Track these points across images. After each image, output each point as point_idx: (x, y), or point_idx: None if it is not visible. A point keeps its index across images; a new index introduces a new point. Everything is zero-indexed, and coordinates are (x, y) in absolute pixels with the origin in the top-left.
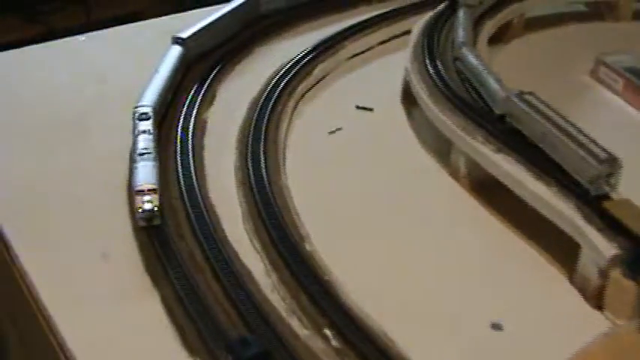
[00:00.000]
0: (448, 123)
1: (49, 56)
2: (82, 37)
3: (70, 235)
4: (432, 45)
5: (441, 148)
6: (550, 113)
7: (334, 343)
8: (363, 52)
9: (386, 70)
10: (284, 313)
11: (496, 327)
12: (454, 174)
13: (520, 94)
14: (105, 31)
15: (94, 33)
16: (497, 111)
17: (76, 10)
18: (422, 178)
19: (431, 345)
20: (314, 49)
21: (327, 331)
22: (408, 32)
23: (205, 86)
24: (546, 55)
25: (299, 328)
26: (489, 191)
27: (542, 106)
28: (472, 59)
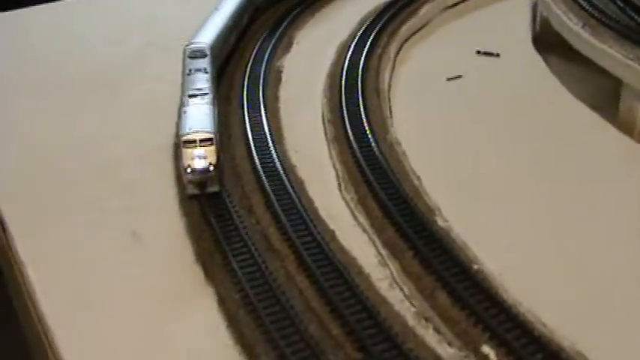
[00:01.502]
0: (617, 56)
1: (89, 9)
2: None
3: (87, 207)
4: None
5: (602, 96)
6: None
7: None
8: None
9: (506, 12)
10: (412, 322)
11: None
12: (625, 126)
13: None
14: None
15: None
16: None
17: None
18: (580, 134)
19: None
20: None
21: (487, 349)
22: None
23: (280, 31)
24: None
25: (438, 344)
26: None
27: None
28: None
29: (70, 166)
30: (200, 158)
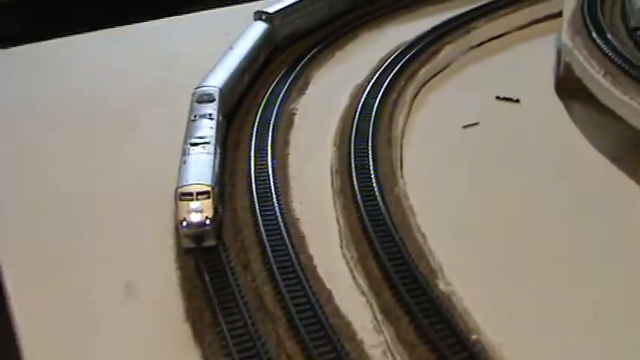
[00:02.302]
0: (638, 107)
1: (113, 42)
2: (149, 24)
3: (85, 253)
4: (596, 16)
5: (624, 147)
6: None
7: None
8: (499, 37)
9: (531, 57)
10: None
11: None
12: None
13: None
14: (179, 17)
15: (168, 19)
16: None
17: None
18: (601, 190)
19: None
20: (438, 28)
21: None
22: (552, 17)
23: (296, 71)
24: None
25: None
26: None
27: None
28: None
29: (73, 209)
30: (196, 212)
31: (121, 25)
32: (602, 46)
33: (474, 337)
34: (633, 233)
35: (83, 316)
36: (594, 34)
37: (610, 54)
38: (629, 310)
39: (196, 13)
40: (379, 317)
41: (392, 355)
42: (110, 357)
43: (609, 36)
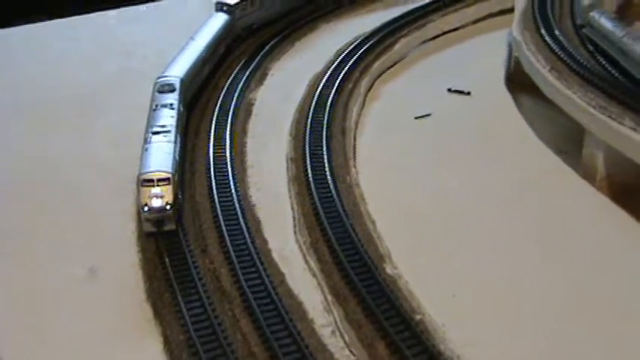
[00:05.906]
0: (580, 103)
1: (78, 30)
2: (113, 12)
3: (49, 238)
4: (545, 12)
5: (569, 139)
6: None
7: None
8: (454, 30)
9: (483, 51)
10: None
11: None
12: (587, 173)
13: None
14: (139, 6)
15: (128, 8)
16: None
17: None
18: (542, 180)
19: None
20: (395, 21)
21: None
22: (507, 11)
23: (255, 62)
24: None
25: None
26: None
27: None
28: (607, 23)
29: (38, 192)
30: (157, 197)
31: (86, 12)
32: (550, 42)
33: (417, 317)
34: (574, 221)
35: (47, 297)
36: (542, 30)
37: (557, 50)
38: (567, 291)
39: (159, 3)
40: (329, 298)
41: (340, 333)
42: (73, 336)
43: (557, 32)
